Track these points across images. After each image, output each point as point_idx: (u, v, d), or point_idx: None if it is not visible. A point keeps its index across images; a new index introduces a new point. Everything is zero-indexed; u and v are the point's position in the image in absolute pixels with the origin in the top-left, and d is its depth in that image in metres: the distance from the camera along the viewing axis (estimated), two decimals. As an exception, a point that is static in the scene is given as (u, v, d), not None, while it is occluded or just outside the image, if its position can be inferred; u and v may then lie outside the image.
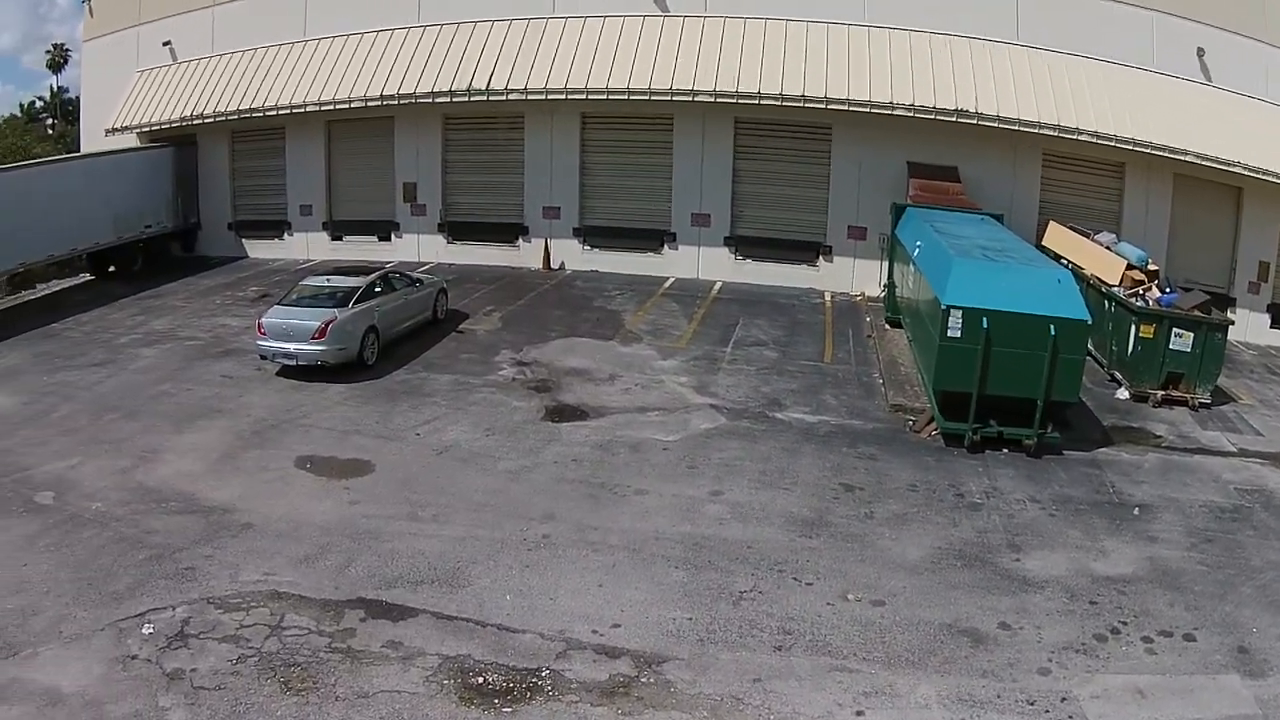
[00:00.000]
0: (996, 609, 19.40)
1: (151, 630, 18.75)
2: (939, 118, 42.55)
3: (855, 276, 46.32)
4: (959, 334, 27.00)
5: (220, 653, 17.99)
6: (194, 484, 25.16)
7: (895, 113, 42.77)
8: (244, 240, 56.45)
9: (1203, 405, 32.85)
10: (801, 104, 43.62)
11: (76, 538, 22.40)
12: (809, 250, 47.46)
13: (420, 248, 52.60)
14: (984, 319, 26.67)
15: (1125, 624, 19.20)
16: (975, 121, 42.37)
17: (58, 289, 50.24)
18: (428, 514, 23.40)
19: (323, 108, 50.72)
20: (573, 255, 50.10)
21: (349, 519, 23.13)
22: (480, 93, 47.13)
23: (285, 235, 55.75)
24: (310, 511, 23.57)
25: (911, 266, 33.88)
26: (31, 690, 17.00)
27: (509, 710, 16.30)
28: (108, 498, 24.50)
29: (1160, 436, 30.08)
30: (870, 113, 43.28)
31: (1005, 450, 27.54)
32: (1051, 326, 26.48)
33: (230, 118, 52.94)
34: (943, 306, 27.15)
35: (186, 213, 55.74)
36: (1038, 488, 25.31)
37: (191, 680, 17.13)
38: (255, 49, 53.46)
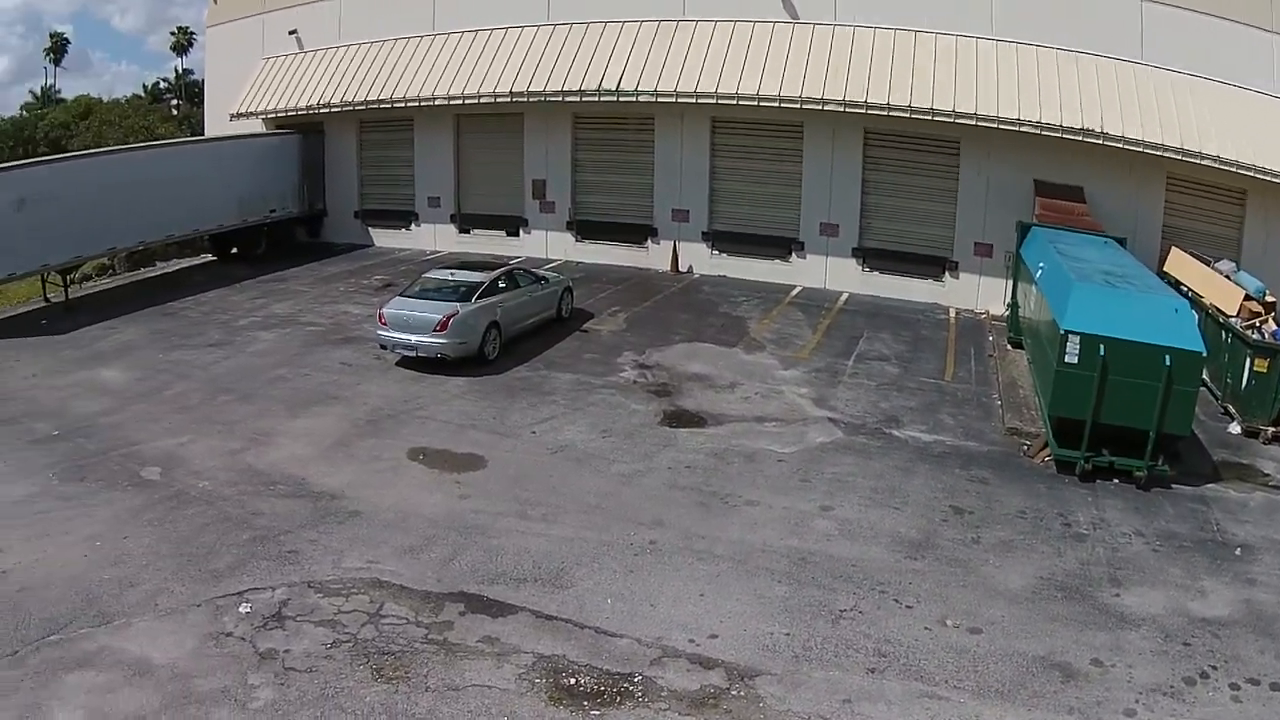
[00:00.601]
0: (1091, 644, 19.35)
1: (249, 609, 19.41)
2: (1065, 136, 42.19)
3: (980, 293, 46.17)
4: (1076, 360, 26.94)
5: (315, 636, 18.54)
6: (304, 469, 25.91)
7: (1022, 129, 42.51)
8: (370, 229, 57.80)
9: (1316, 445, 32.53)
10: (930, 117, 43.55)
11: (181, 514, 23.22)
12: (935, 265, 47.32)
13: (548, 244, 53.45)
14: (1101, 346, 26.61)
15: (1215, 668, 19.05)
16: (1100, 141, 41.94)
17: (178, 268, 51.62)
18: (537, 512, 23.83)
19: (451, 102, 51.55)
20: (700, 259, 50.61)
21: (457, 513, 23.71)
22: (610, 93, 47.72)
23: (412, 226, 56.98)
24: (419, 503, 24.18)
25: (1034, 287, 33.72)
26: (121, 659, 17.60)
27: (597, 713, 16.56)
28: (216, 477, 25.34)
29: (1269, 475, 29.63)
30: (997, 129, 43.09)
31: (1115, 480, 27.38)
32: (1166, 357, 26.38)
33: (358, 108, 54.07)
34: (1061, 331, 27.10)
35: (312, 199, 57.12)
36: (1144, 521, 25.17)
37: (284, 661, 17.67)
38: (384, 41, 54.56)
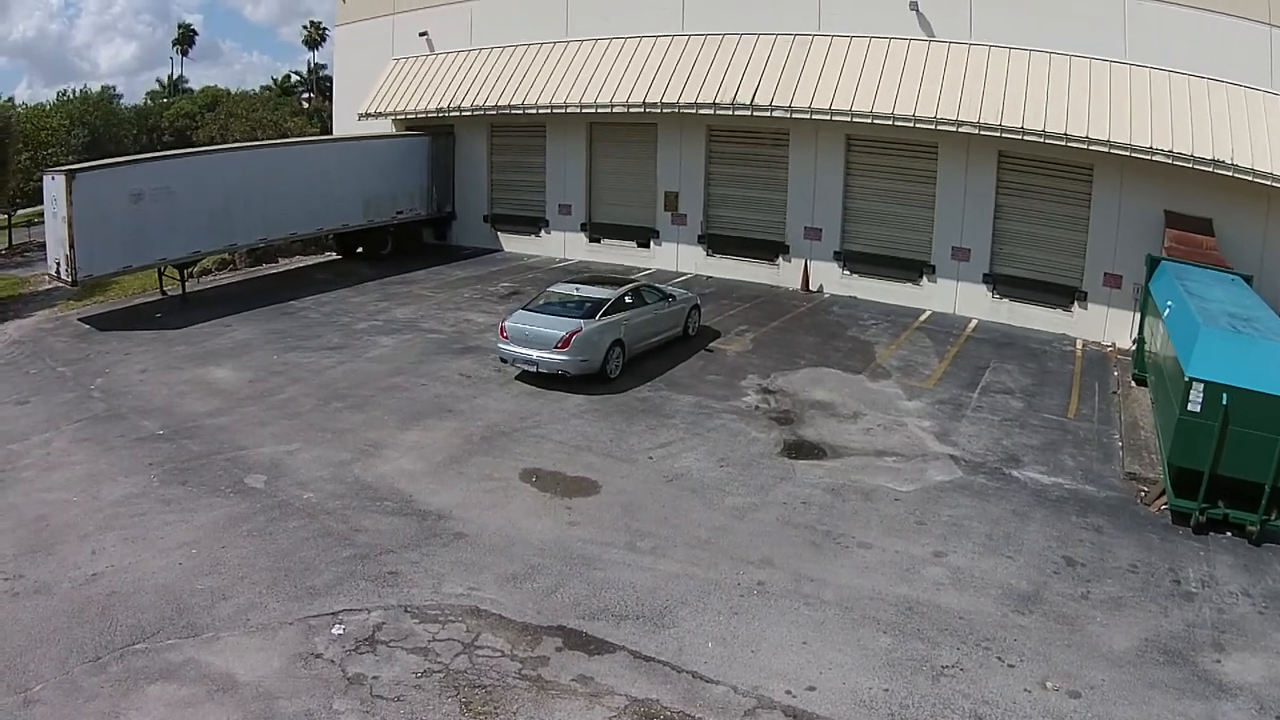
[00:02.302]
0: (1187, 715, 19.04)
1: (342, 631, 19.77)
2: (1196, 166, 41.49)
3: (1108, 326, 45.66)
4: (1199, 408, 26.41)
5: (407, 663, 18.77)
6: (413, 485, 26.23)
7: (1154, 158, 41.96)
8: (499, 233, 58.84)
9: None
10: (1064, 143, 43.15)
11: (281, 526, 23.73)
12: (1065, 294, 46.83)
13: (679, 257, 53.86)
14: (1224, 394, 26.10)
15: None
16: (1230, 174, 41.15)
17: (301, 265, 52.60)
18: (646, 545, 23.92)
19: (584, 110, 52.13)
20: (831, 279, 50.76)
21: (565, 541, 23.85)
22: (743, 107, 48.02)
23: (542, 232, 57.82)
24: (527, 528, 24.39)
25: (1160, 325, 33.23)
26: (206, 673, 18.10)
27: (682, 763, 16.43)
28: (321, 489, 25.79)
29: None
30: (1130, 157, 42.57)
31: (1229, 534, 26.95)
32: (1288, 408, 25.76)
33: (489, 112, 54.83)
34: (1186, 378, 26.59)
35: (440, 201, 58.16)
36: (1253, 579, 24.72)
37: (372, 687, 17.93)
38: (515, 46, 55.48)
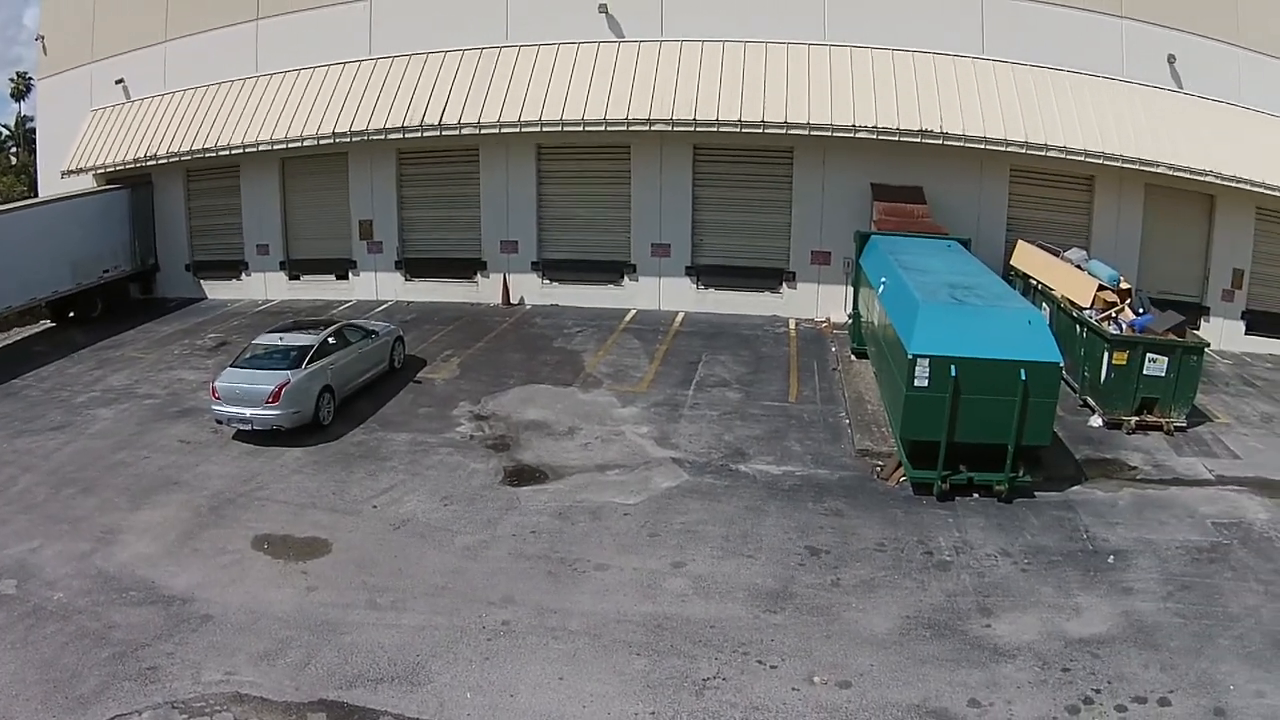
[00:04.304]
0: (966, 684, 18.82)
1: None
2: (903, 139, 41.92)
3: (820, 302, 45.91)
4: (926, 383, 26.21)
5: None
6: (153, 569, 24.61)
7: (858, 135, 42.10)
8: (202, 281, 55.86)
9: (1178, 429, 32.42)
10: (761, 130, 42.94)
11: (40, 633, 21.97)
12: (772, 277, 46.94)
13: (378, 286, 51.99)
14: (952, 366, 25.93)
15: (1098, 691, 18.73)
16: (940, 141, 41.77)
17: (17, 339, 49.58)
18: (386, 600, 22.82)
19: (275, 146, 49.98)
20: (532, 290, 49.63)
21: (307, 609, 22.58)
22: (433, 128, 46.34)
23: (243, 275, 55.06)
24: (268, 600, 22.98)
25: (877, 303, 33.06)
26: None
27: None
28: (69, 586, 24.02)
29: (1135, 468, 29.62)
30: (832, 136, 42.61)
31: (975, 495, 26.87)
32: (1022, 371, 25.78)
33: (184, 158, 52.29)
34: (909, 356, 26.33)
35: (144, 255, 55.17)
36: (1009, 538, 24.68)
37: None
38: (208, 86, 52.79)
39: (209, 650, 20.88)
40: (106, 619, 22.35)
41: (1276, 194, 42.40)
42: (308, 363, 32.75)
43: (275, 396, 31.50)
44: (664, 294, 48.02)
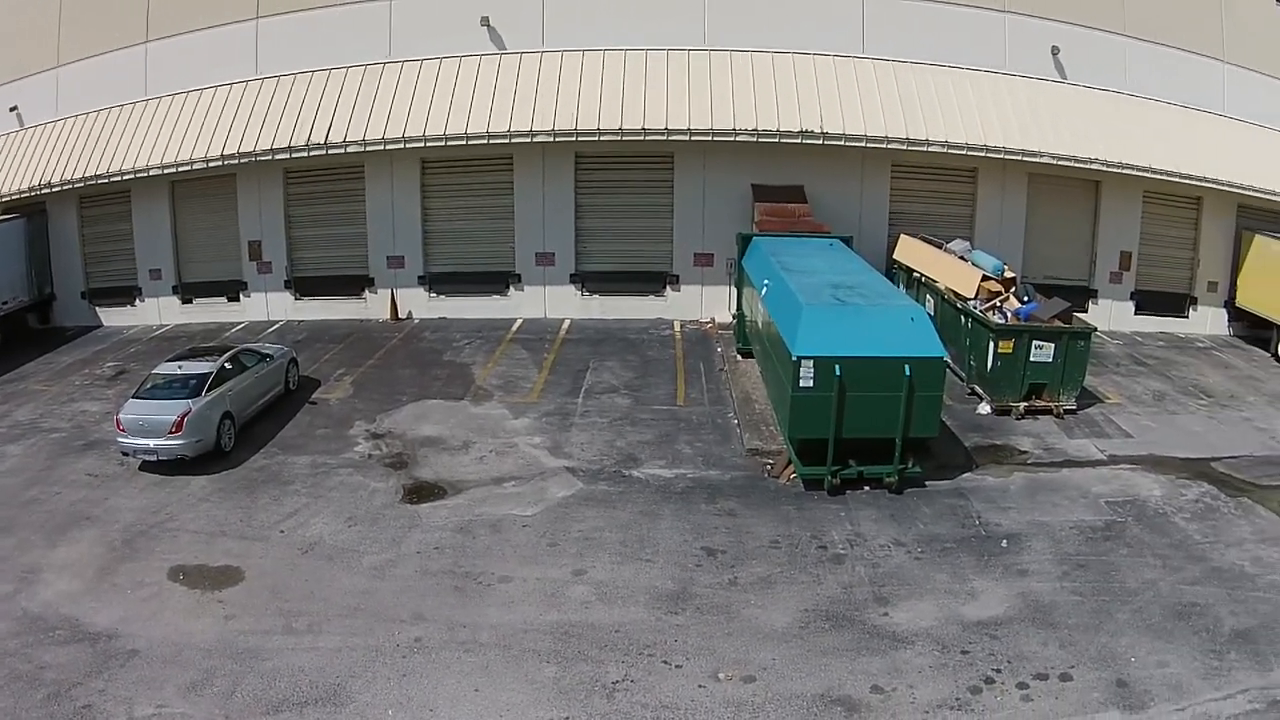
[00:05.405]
0: (868, 671, 19.18)
1: None
2: (783, 140, 42.19)
3: (704, 303, 46.39)
4: (812, 383, 26.52)
5: None
6: (76, 607, 24.47)
7: (739, 138, 42.38)
8: (98, 309, 54.86)
9: (1068, 412, 33.18)
10: (642, 137, 43.12)
11: None
12: (656, 281, 47.33)
13: (269, 306, 51.42)
14: (837, 366, 26.26)
15: (999, 671, 19.13)
16: (821, 141, 42.12)
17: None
18: (302, 624, 22.87)
19: (165, 170, 49.24)
20: (419, 304, 49.48)
21: (227, 638, 22.57)
22: (319, 147, 45.87)
23: (137, 301, 54.20)
24: (189, 631, 22.93)
25: (761, 305, 33.28)
26: None
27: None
28: None
29: (1026, 452, 30.24)
30: (712, 141, 42.92)
31: (867, 488, 27.25)
32: (906, 367, 26.17)
33: (77, 185, 51.30)
34: (794, 358, 26.61)
35: (41, 284, 54.43)
36: (901, 529, 25.08)
37: None
38: (99, 111, 51.93)
39: (139, 685, 20.88)
40: (37, 660, 22.24)
41: (1162, 178, 43.49)
42: (207, 390, 32.54)
43: (178, 426, 31.23)
44: (550, 302, 48.15)
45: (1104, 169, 43.23)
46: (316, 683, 20.38)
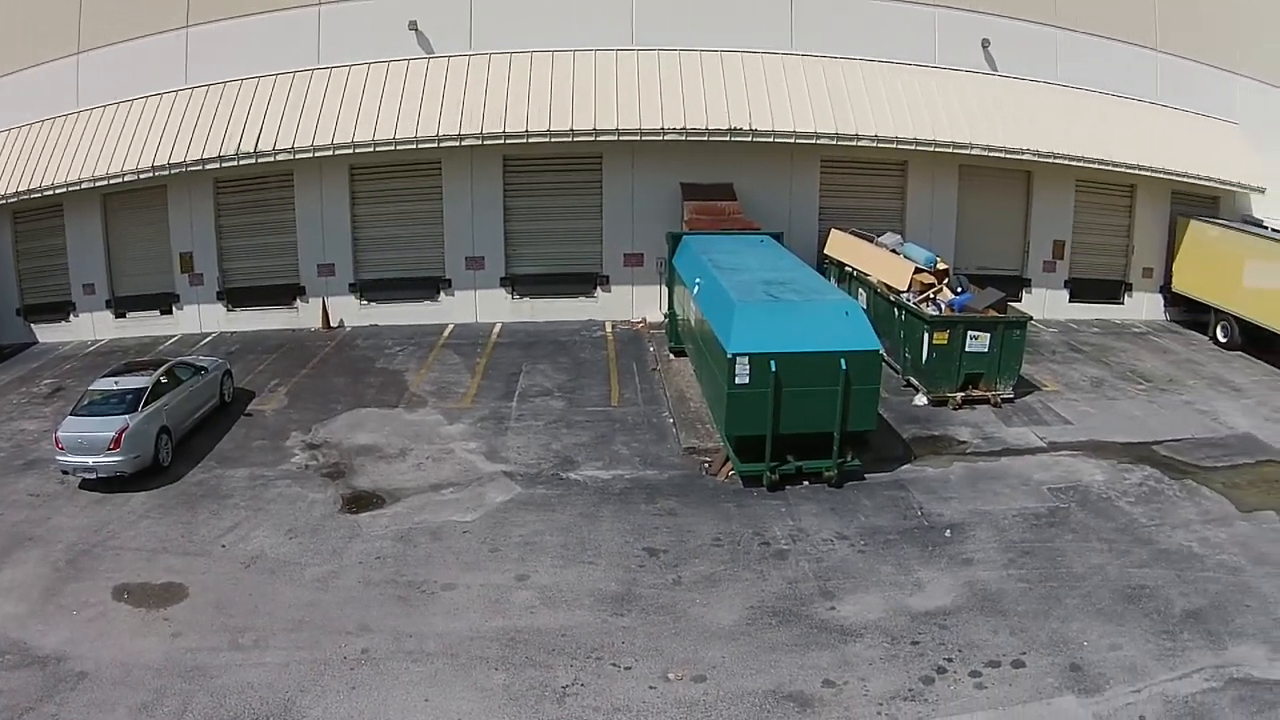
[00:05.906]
0: (818, 666, 19.17)
1: None
2: (712, 138, 42.24)
3: (635, 303, 46.42)
4: (747, 380, 26.49)
5: None
6: (23, 630, 24.12)
7: (667, 137, 42.40)
8: (33, 325, 54.29)
9: (1006, 401, 33.41)
10: (571, 138, 43.03)
11: None
12: (586, 282, 47.35)
13: (201, 318, 50.87)
14: (772, 362, 26.24)
15: (951, 660, 19.19)
16: (750, 139, 42.20)
17: None
18: (248, 639, 22.60)
19: (96, 184, 48.64)
20: (351, 311, 49.16)
21: (175, 656, 22.25)
22: (247, 155, 45.38)
23: (71, 316, 53.56)
24: (137, 651, 22.60)
25: (693, 304, 33.33)
26: None
27: None
28: None
29: (965, 442, 30.38)
30: (640, 140, 42.91)
31: (806, 483, 27.28)
32: (842, 361, 26.20)
33: (10, 200, 50.68)
34: (728, 355, 26.58)
35: None
36: (843, 522, 25.11)
37: None
38: (30, 124, 51.26)
39: (90, 708, 20.66)
40: (-11, 685, 22.09)
41: (1095, 166, 44.10)
42: (143, 405, 32.19)
43: (116, 443, 30.87)
44: (480, 306, 48.03)
45: (1035, 159, 43.70)
46: (266, 699, 20.20)
